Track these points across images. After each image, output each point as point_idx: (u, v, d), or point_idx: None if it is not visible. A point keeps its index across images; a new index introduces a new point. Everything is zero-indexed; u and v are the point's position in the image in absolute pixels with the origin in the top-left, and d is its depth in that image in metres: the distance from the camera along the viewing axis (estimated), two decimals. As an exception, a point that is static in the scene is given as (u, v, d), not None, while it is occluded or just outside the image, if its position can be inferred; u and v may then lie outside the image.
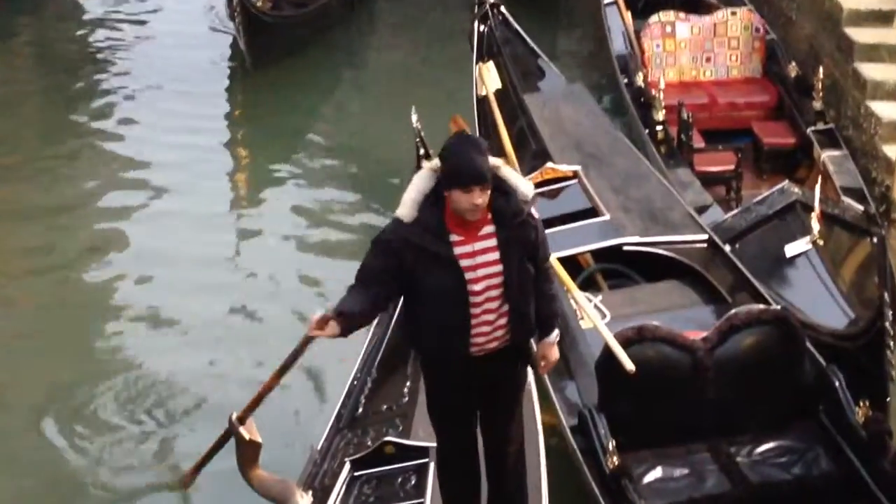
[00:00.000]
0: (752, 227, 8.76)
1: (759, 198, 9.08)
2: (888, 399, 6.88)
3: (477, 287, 5.56)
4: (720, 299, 7.91)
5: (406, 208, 5.54)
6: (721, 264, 8.20)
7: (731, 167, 10.18)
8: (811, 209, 8.33)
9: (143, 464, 7.78)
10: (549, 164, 8.96)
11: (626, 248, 8.34)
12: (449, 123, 9.24)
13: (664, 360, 6.85)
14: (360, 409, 7.28)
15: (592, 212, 8.57)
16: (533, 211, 5.65)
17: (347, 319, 5.63)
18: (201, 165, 11.82)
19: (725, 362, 6.87)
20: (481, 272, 5.56)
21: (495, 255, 5.57)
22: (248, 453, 6.45)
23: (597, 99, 11.12)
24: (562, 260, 7.79)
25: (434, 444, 6.13)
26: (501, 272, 5.58)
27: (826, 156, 9.97)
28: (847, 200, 9.12)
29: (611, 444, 6.55)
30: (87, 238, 10.63)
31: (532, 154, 9.36)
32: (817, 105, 10.48)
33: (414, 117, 8.87)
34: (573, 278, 7.79)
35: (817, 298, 8.04)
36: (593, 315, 7.27)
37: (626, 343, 6.76)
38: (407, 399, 7.15)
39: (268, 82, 13.54)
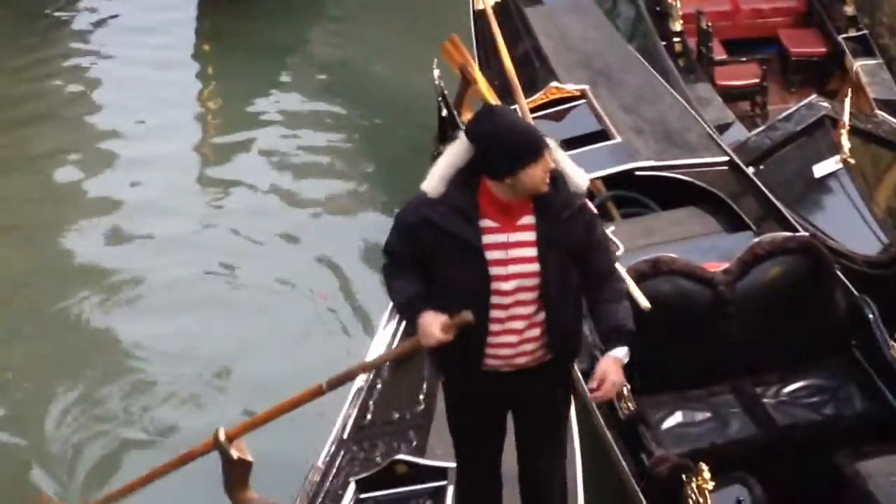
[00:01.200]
0: (777, 147, 8.58)
1: (785, 114, 8.91)
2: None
3: (505, 286, 4.96)
4: (743, 227, 7.75)
5: (433, 182, 4.96)
6: (743, 188, 8.03)
7: (756, 80, 10.03)
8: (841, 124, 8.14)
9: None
10: (554, 84, 8.79)
11: (639, 173, 8.18)
12: (442, 54, 8.97)
13: (682, 294, 6.73)
14: (368, 418, 6.59)
15: (602, 134, 8.40)
16: (589, 205, 5.08)
17: (424, 301, 5.06)
18: (169, 109, 11.57)
19: (749, 296, 6.74)
20: (513, 269, 4.96)
21: (532, 252, 4.96)
22: (237, 474, 5.87)
23: (606, 10, 10.88)
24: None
25: (454, 465, 5.62)
26: (538, 272, 4.96)
27: (859, 65, 9.80)
28: (881, 114, 8.93)
29: (625, 389, 6.41)
30: (47, 189, 10.44)
31: (536, 73, 9.16)
32: (849, 10, 10.33)
33: (436, 73, 8.36)
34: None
35: (848, 223, 7.89)
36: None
37: (640, 277, 6.63)
38: (423, 407, 6.49)
39: (241, 10, 13.17)
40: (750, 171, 8.23)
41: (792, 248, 6.78)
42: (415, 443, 6.28)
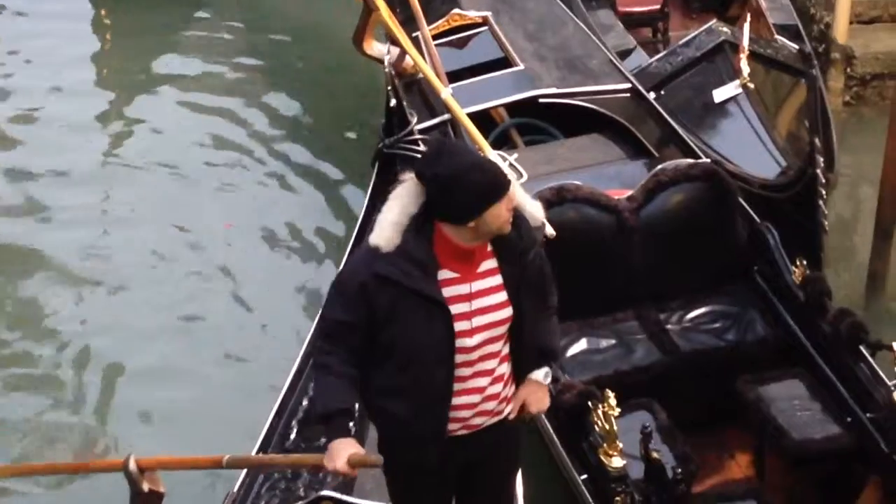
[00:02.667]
0: (678, 72, 8.63)
1: (686, 39, 8.95)
2: (822, 253, 6.82)
3: (470, 341, 4.56)
4: (646, 153, 7.78)
5: (384, 232, 4.47)
6: (645, 115, 8.06)
7: (657, 6, 10.04)
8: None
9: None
10: (457, 10, 8.71)
11: (542, 100, 8.16)
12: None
13: (586, 222, 6.76)
14: (291, 439, 6.04)
15: (505, 62, 8.35)
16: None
17: (349, 417, 4.61)
18: (67, 67, 11.10)
19: (652, 223, 6.80)
20: (478, 321, 4.56)
21: (500, 297, 4.58)
22: None
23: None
24: (473, 115, 7.60)
25: None
26: (508, 319, 4.60)
27: (758, -9, 9.78)
28: (781, 40, 8.99)
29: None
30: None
31: (438, 1, 9.08)
32: (747, -65, 10.27)
33: (386, 58, 7.52)
34: (485, 135, 7.60)
35: (748, 147, 7.99)
36: (509, 175, 7.09)
37: (545, 205, 6.50)
38: (354, 431, 5.52)
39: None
40: (651, 97, 8.27)
41: (695, 174, 6.83)
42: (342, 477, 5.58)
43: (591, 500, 5.77)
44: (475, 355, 4.58)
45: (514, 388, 4.78)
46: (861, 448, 6.05)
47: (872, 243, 8.14)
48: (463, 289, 4.54)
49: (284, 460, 5.19)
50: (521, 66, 8.28)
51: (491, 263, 4.59)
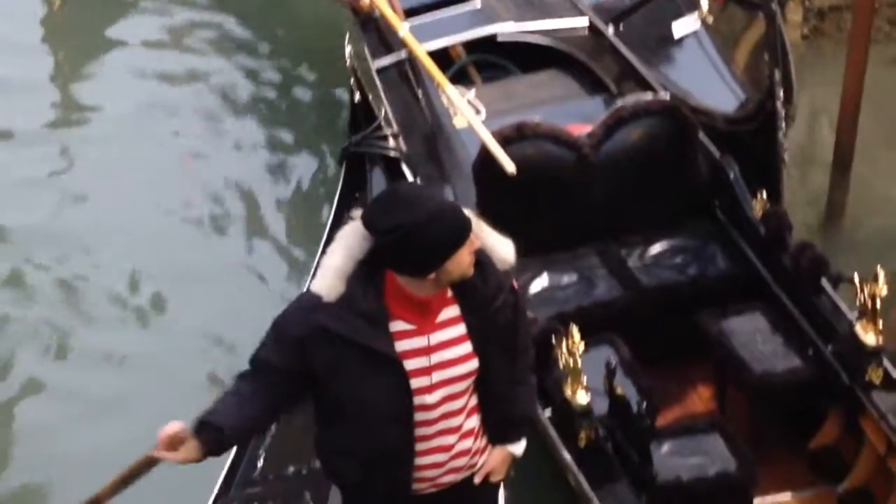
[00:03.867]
0: (636, 6, 8.58)
1: (643, -28, 8.88)
2: (782, 186, 6.86)
3: (430, 398, 4.15)
4: (605, 89, 7.79)
5: (327, 280, 4.03)
6: (604, 50, 8.05)
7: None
8: (700, -18, 8.19)
9: None
10: (412, -54, 8.63)
11: (500, 37, 8.12)
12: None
13: (546, 158, 6.73)
14: (258, 470, 5.73)
15: (462, -3, 8.31)
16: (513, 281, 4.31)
17: (217, 436, 4.13)
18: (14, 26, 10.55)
19: (613, 158, 6.78)
20: (439, 376, 4.14)
21: (464, 349, 4.16)
22: None
23: None
24: (431, 53, 7.57)
25: None
26: (472, 373, 4.19)
27: (718, -81, 9.76)
28: (738, -28, 8.95)
29: (492, 254, 6.44)
30: None
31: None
32: None
33: (347, 49, 7.14)
34: (443, 72, 7.58)
35: (708, 81, 7.96)
36: (467, 112, 7.10)
37: (504, 141, 6.62)
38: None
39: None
40: (610, 31, 8.24)
41: (655, 110, 6.83)
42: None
43: (555, 435, 5.80)
44: (436, 413, 4.16)
45: (483, 439, 4.38)
46: (822, 380, 6.11)
47: (831, 175, 8.19)
48: (419, 342, 4.10)
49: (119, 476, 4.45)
50: (478, 3, 8.26)
51: (452, 311, 4.14)
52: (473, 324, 4.15)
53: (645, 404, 5.68)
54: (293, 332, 4.08)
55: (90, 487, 5.38)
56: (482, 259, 4.11)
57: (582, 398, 5.68)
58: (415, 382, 4.11)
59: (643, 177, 6.80)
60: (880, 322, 5.89)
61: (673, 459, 5.73)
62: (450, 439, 4.23)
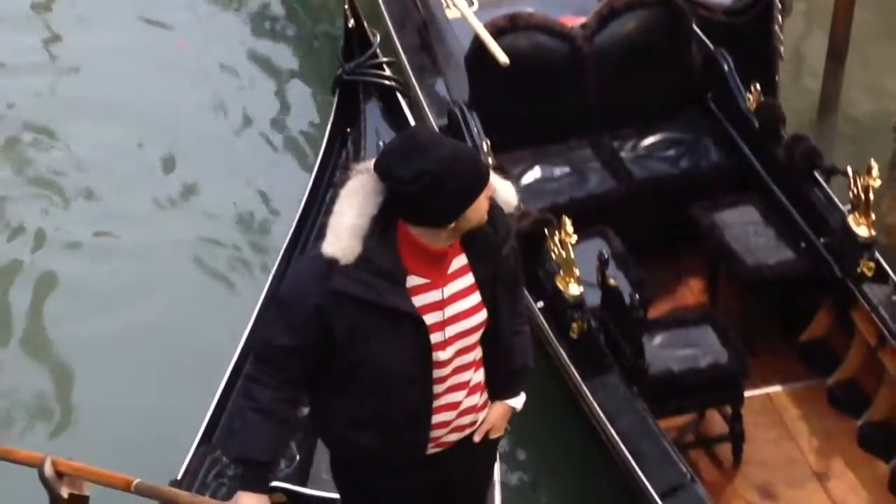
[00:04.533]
0: None
1: None
2: (777, 78, 6.80)
3: (443, 355, 3.89)
4: (598, -21, 7.65)
5: (342, 242, 3.72)
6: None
7: None
8: None
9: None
10: None
11: None
12: None
13: (540, 49, 6.66)
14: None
15: None
16: None
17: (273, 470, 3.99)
18: None
19: (606, 50, 6.72)
20: (452, 329, 3.89)
21: (474, 300, 3.90)
22: None
23: None
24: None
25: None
26: (482, 325, 3.94)
27: None
28: None
29: (485, 144, 6.41)
30: None
31: None
32: None
33: None
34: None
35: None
36: (460, 2, 7.00)
37: (497, 33, 6.54)
38: (304, 416, 4.77)
39: None
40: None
41: (649, 1, 6.73)
42: (297, 461, 5.19)
43: (547, 327, 5.80)
44: (449, 369, 3.92)
45: (485, 394, 4.12)
46: (814, 273, 6.10)
47: (825, 66, 8.15)
48: (435, 295, 3.85)
49: (191, 500, 4.33)
50: None
51: (461, 261, 3.89)
52: (482, 273, 3.89)
53: (637, 296, 5.66)
54: (308, 300, 3.75)
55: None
56: (492, 204, 3.84)
57: (574, 290, 5.67)
58: (433, 337, 3.85)
59: (636, 69, 6.73)
60: (873, 214, 5.87)
61: (664, 351, 5.72)
62: (458, 396, 3.98)
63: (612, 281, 5.58)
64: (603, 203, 6.47)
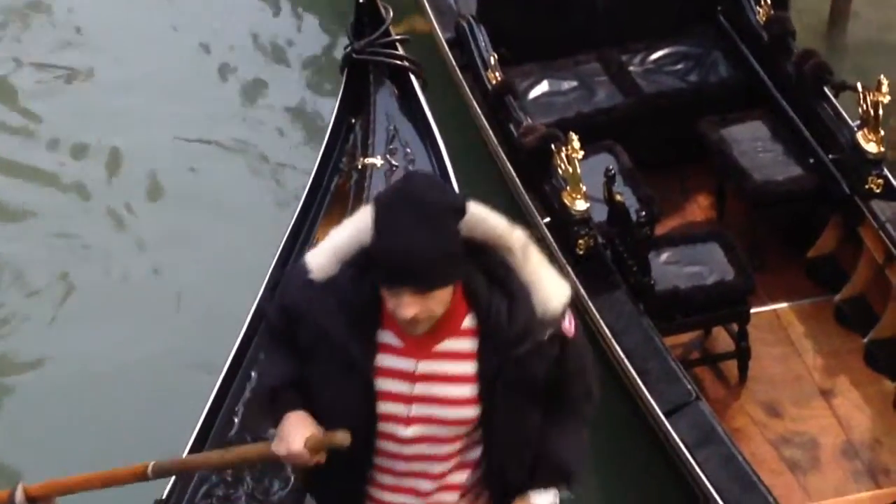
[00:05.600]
0: None
1: None
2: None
3: (403, 432, 3.38)
4: None
5: (320, 256, 3.36)
6: None
7: None
8: None
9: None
10: None
11: None
12: None
13: (547, -37, 6.52)
14: (234, 429, 4.93)
15: None
16: (568, 324, 3.39)
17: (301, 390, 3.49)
18: None
19: None
20: (420, 411, 3.36)
21: (461, 392, 3.35)
22: None
23: None
24: None
25: None
26: (468, 421, 3.38)
27: None
28: None
29: (492, 58, 6.29)
30: None
31: None
32: None
33: None
34: None
35: None
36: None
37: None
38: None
39: None
40: None
41: (660, -87, 6.59)
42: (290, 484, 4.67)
43: (554, 243, 5.70)
44: (410, 450, 3.40)
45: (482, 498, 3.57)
46: (822, 189, 5.99)
47: (836, -20, 7.95)
48: (404, 364, 3.34)
49: (224, 457, 3.89)
50: None
51: (464, 345, 3.34)
52: (486, 367, 3.33)
53: (644, 212, 5.59)
54: (284, 298, 3.48)
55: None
56: (516, 293, 3.29)
57: (580, 205, 5.57)
58: (387, 407, 3.36)
59: (646, -19, 6.58)
60: (882, 131, 5.74)
61: (671, 268, 5.62)
62: (424, 485, 3.47)
63: (619, 197, 5.47)
64: (611, 117, 6.35)
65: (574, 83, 6.49)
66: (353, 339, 3.31)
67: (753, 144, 6.12)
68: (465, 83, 6.49)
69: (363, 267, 3.27)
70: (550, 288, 3.33)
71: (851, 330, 5.87)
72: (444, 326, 3.29)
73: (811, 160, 6.03)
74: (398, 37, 5.97)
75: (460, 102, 6.59)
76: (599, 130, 6.13)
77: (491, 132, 6.25)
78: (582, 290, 5.53)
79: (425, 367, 3.32)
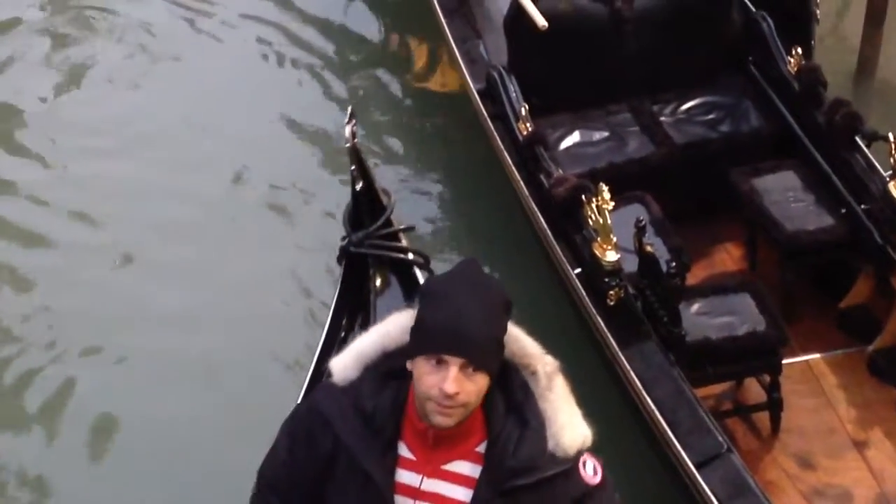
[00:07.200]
0: None
1: None
2: (813, 41, 6.54)
3: None
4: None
5: (343, 359, 3.25)
6: None
7: None
8: None
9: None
10: None
11: None
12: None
13: (579, 12, 6.45)
14: None
15: None
16: (588, 469, 3.24)
17: None
18: None
19: (647, 12, 6.48)
20: None
21: None
22: None
23: None
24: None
25: None
26: None
27: None
28: None
29: (523, 109, 6.19)
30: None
31: None
32: None
33: (347, 129, 4.89)
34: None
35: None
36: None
37: (537, -4, 6.30)
38: None
39: None
40: None
41: (689, -37, 6.50)
42: None
43: (584, 294, 5.58)
44: None
45: None
46: (854, 239, 5.86)
47: (863, 30, 7.85)
48: (412, 479, 3.19)
49: None
50: None
51: (468, 469, 3.16)
52: (479, 497, 3.15)
53: (675, 263, 5.45)
54: (301, 413, 3.33)
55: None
56: (531, 421, 3.14)
57: (611, 256, 5.44)
58: None
59: (677, 31, 6.47)
60: (915, 180, 5.62)
61: (702, 318, 5.49)
62: None
63: (649, 247, 5.34)
64: (642, 168, 6.24)
65: (605, 133, 6.39)
66: (372, 454, 3.17)
67: (785, 194, 6.01)
68: (496, 134, 6.40)
69: (384, 373, 3.17)
70: (568, 424, 3.17)
71: (885, 381, 5.71)
72: (459, 444, 3.15)
73: (843, 210, 5.91)
74: (401, 227, 5.11)
75: (491, 153, 6.50)
76: (631, 181, 6.01)
77: (522, 183, 6.15)
78: (612, 341, 5.41)
79: (429, 484, 3.17)
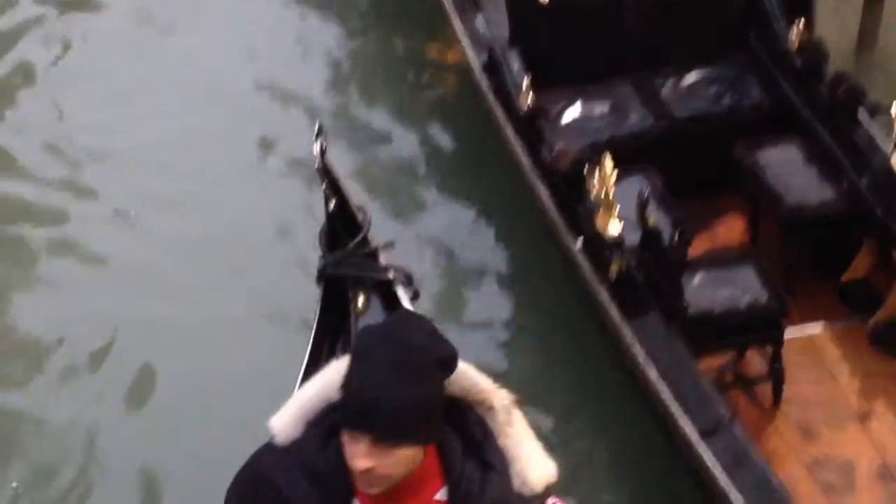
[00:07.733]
0: None
1: None
2: (813, 15, 6.51)
3: None
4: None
5: (284, 418, 2.96)
6: None
7: None
8: None
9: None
10: None
11: None
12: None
13: (581, -14, 6.41)
14: None
15: None
16: None
17: None
18: None
19: None
20: None
21: None
22: None
23: None
24: None
25: None
26: None
27: None
28: None
29: (524, 82, 6.15)
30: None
31: None
32: None
33: (316, 146, 4.64)
34: None
35: None
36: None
37: (537, -29, 6.26)
38: None
39: None
40: None
41: (692, -63, 6.46)
42: None
43: (586, 267, 5.57)
44: None
45: None
46: (856, 213, 5.84)
47: (863, 3, 7.80)
48: None
49: None
50: None
51: None
52: None
53: (677, 235, 5.43)
54: (245, 475, 3.01)
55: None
56: (494, 463, 2.90)
57: (614, 229, 5.42)
58: None
59: (679, 6, 6.44)
60: (916, 153, 5.60)
61: (704, 291, 5.46)
62: None
63: (652, 220, 5.33)
64: (643, 141, 6.22)
65: (607, 107, 6.36)
66: None
67: (787, 168, 5.98)
68: (497, 107, 6.37)
69: (328, 428, 2.86)
70: (532, 460, 2.94)
71: (886, 353, 5.70)
72: (414, 495, 2.87)
73: (845, 184, 5.89)
74: (379, 245, 4.76)
75: (492, 127, 6.47)
76: (632, 154, 5.97)
77: (523, 156, 6.13)
78: (615, 314, 5.39)
79: None
